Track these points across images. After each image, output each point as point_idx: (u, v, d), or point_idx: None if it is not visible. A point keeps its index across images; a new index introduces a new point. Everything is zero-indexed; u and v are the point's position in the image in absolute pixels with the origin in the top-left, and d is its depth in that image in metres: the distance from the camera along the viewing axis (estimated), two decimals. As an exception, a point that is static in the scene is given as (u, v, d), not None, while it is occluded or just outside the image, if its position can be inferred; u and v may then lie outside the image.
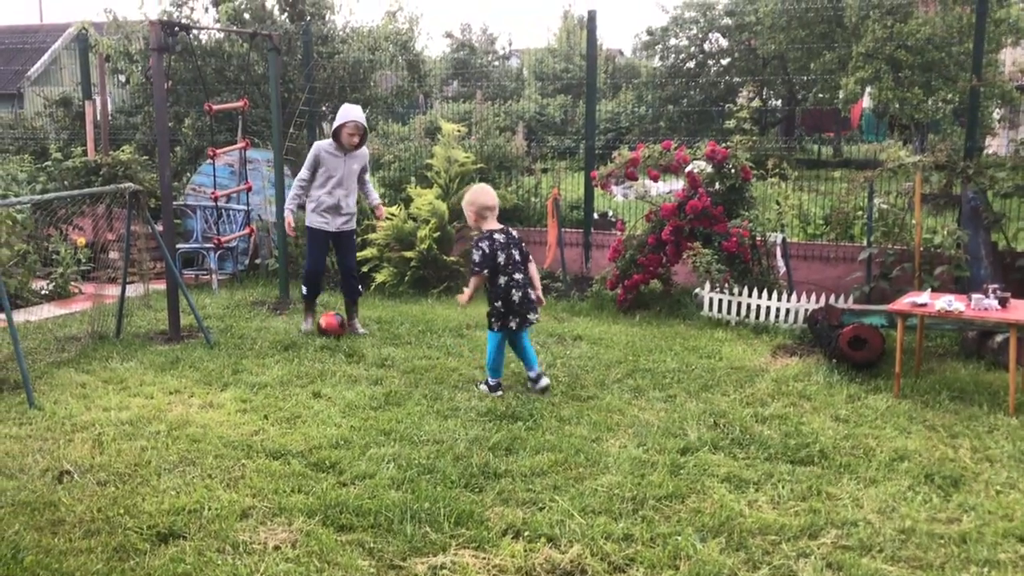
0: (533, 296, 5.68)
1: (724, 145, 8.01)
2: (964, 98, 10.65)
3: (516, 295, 5.57)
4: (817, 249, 8.52)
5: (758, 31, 22.30)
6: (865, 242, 8.09)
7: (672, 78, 25.46)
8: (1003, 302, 5.53)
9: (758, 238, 7.76)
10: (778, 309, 7.44)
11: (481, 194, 5.78)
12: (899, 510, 3.95)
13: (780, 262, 7.88)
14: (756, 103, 24.25)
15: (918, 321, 6.03)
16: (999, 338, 6.21)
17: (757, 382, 5.90)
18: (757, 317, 7.51)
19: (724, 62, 26.98)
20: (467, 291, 5.67)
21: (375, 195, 7.62)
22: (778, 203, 8.27)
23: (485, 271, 5.58)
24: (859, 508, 3.97)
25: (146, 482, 4.25)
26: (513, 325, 5.60)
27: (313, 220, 7.18)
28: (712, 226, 7.66)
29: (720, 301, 7.67)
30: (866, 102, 22.05)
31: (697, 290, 7.95)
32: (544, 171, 12.47)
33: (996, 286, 5.66)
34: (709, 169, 7.92)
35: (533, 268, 5.80)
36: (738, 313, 7.59)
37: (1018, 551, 3.56)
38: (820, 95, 23.45)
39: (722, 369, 6.22)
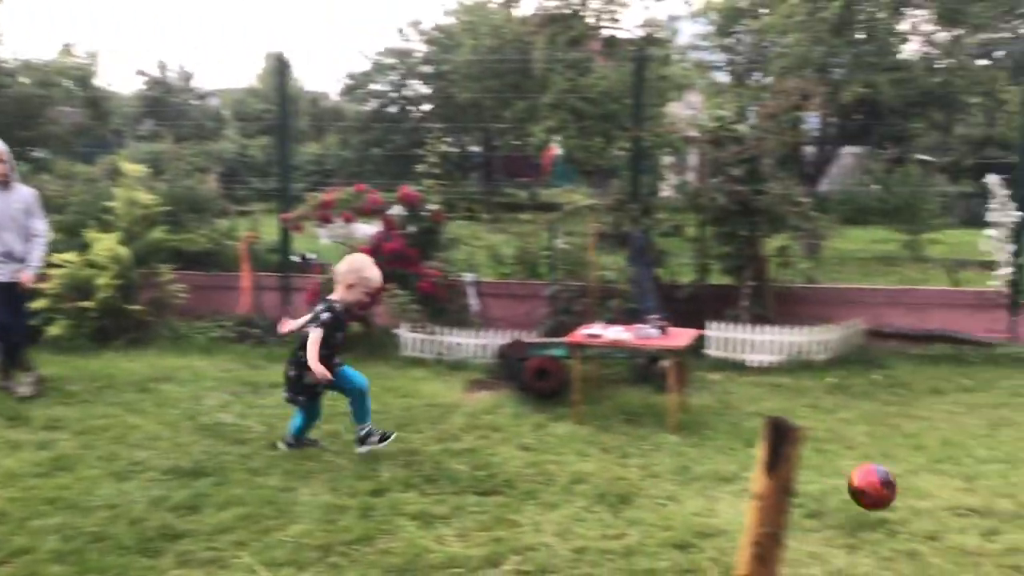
0: (292, 372, 5.26)
1: (419, 189, 8.22)
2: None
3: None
4: (508, 287, 8.95)
5: (455, 79, 23.22)
6: (550, 279, 8.62)
7: (376, 122, 25.80)
8: (663, 330, 6.12)
9: (452, 278, 8.02)
10: (472, 346, 7.71)
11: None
12: (575, 531, 4.20)
13: (474, 300, 8.19)
14: (445, 148, 25.14)
15: (593, 351, 6.50)
16: (664, 363, 6.84)
17: (451, 418, 6.06)
18: (453, 354, 7.73)
19: (425, 108, 27.79)
20: None
21: (35, 257, 6.69)
22: (468, 244, 8.61)
23: None
24: (540, 533, 4.18)
25: None
26: None
27: None
28: (408, 267, 7.81)
29: (417, 340, 7.82)
30: (558, 149, 23.66)
31: (396, 330, 8.04)
32: (242, 214, 12.12)
33: (657, 316, 6.24)
34: (404, 212, 8.08)
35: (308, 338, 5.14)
36: (435, 351, 7.78)
37: (674, 558, 3.91)
38: (514, 142, 24.80)
39: (418, 407, 6.32)
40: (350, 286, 5.22)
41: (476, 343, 7.72)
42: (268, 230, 10.57)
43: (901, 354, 8.09)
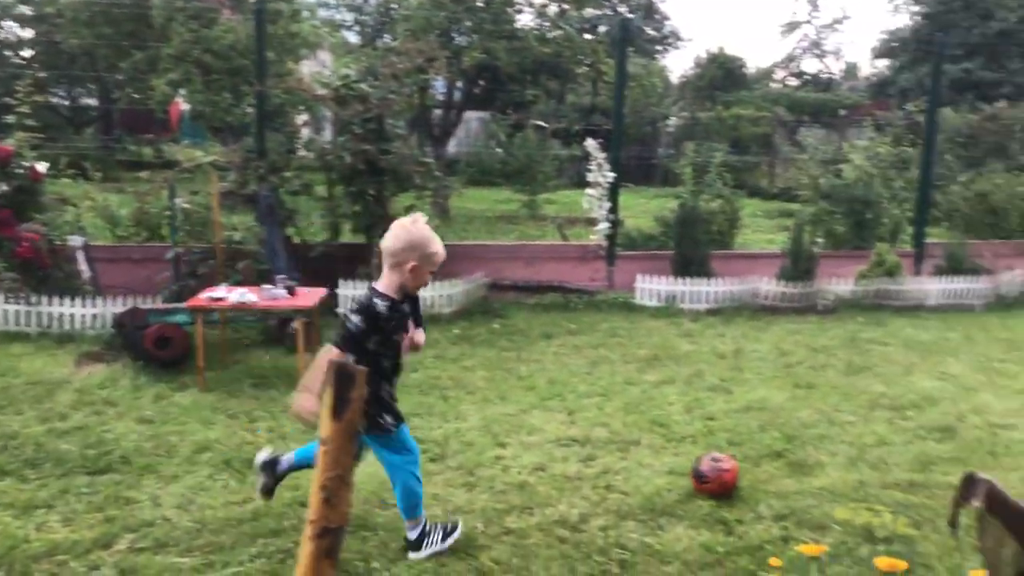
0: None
1: (11, 143, 7.32)
2: (268, 103, 11.31)
3: None
4: (125, 251, 8.31)
5: (60, 24, 20.87)
6: (171, 241, 8.14)
7: (-39, 67, 22.49)
8: (291, 291, 6.05)
9: (57, 242, 7.28)
10: (84, 315, 7.08)
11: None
12: (197, 501, 4.05)
13: (84, 266, 7.50)
14: (45, 98, 22.68)
15: (219, 315, 6.26)
16: (294, 324, 6.78)
17: (58, 395, 5.53)
18: (61, 326, 7.04)
19: (27, 54, 24.73)
20: None
21: None
22: (75, 205, 7.86)
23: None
24: (158, 507, 3.97)
25: None
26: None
27: None
28: (1, 230, 6.95)
29: (17, 312, 7.02)
30: (185, 104, 22.22)
31: (-11, 303, 7.15)
32: None
33: (284, 276, 6.16)
34: (-7, 169, 7.17)
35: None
36: (39, 323, 7.03)
37: (301, 516, 3.90)
38: (134, 95, 22.91)
39: (18, 386, 5.69)
40: (414, 268, 3.46)
41: (88, 312, 7.09)
42: None
43: (518, 304, 8.75)
